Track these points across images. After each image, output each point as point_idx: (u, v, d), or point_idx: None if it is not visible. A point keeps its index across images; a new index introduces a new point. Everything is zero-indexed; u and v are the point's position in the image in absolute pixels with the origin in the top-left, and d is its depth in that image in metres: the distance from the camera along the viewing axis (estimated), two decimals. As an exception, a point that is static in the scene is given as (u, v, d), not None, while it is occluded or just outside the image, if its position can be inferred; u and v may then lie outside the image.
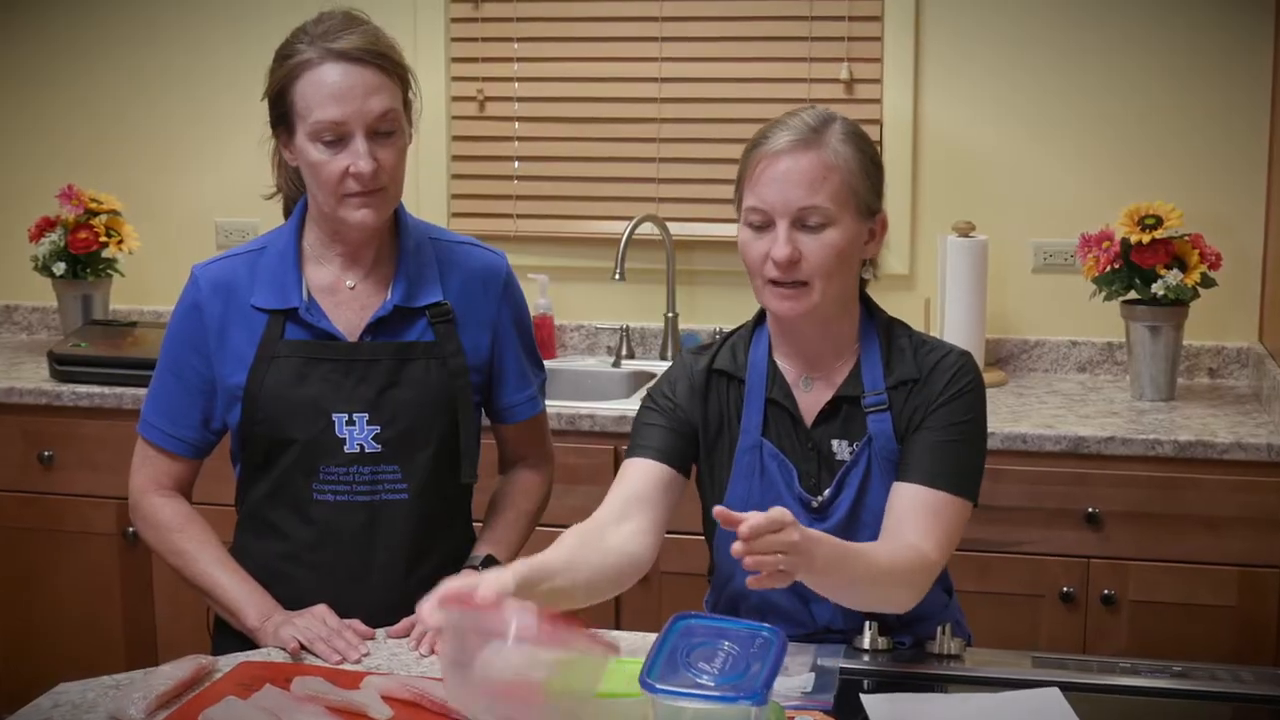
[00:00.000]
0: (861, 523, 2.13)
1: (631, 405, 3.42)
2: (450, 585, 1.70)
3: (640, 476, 2.15)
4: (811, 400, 2.17)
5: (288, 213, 2.39)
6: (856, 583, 1.96)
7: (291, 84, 2.19)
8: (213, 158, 4.16)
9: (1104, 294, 3.49)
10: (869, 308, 2.20)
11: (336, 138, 2.18)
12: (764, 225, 2.07)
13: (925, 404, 2.12)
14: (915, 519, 2.06)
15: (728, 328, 2.30)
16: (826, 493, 2.14)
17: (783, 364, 2.18)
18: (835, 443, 2.14)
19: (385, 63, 2.21)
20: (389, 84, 2.21)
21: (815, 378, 2.17)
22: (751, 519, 1.77)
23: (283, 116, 2.23)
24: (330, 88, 2.17)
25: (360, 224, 2.22)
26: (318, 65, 2.18)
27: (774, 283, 2.08)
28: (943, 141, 3.79)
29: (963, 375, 2.13)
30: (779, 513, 1.80)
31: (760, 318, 2.23)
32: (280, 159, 2.34)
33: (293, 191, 2.37)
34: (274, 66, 2.23)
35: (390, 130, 2.21)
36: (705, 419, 2.20)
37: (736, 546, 1.77)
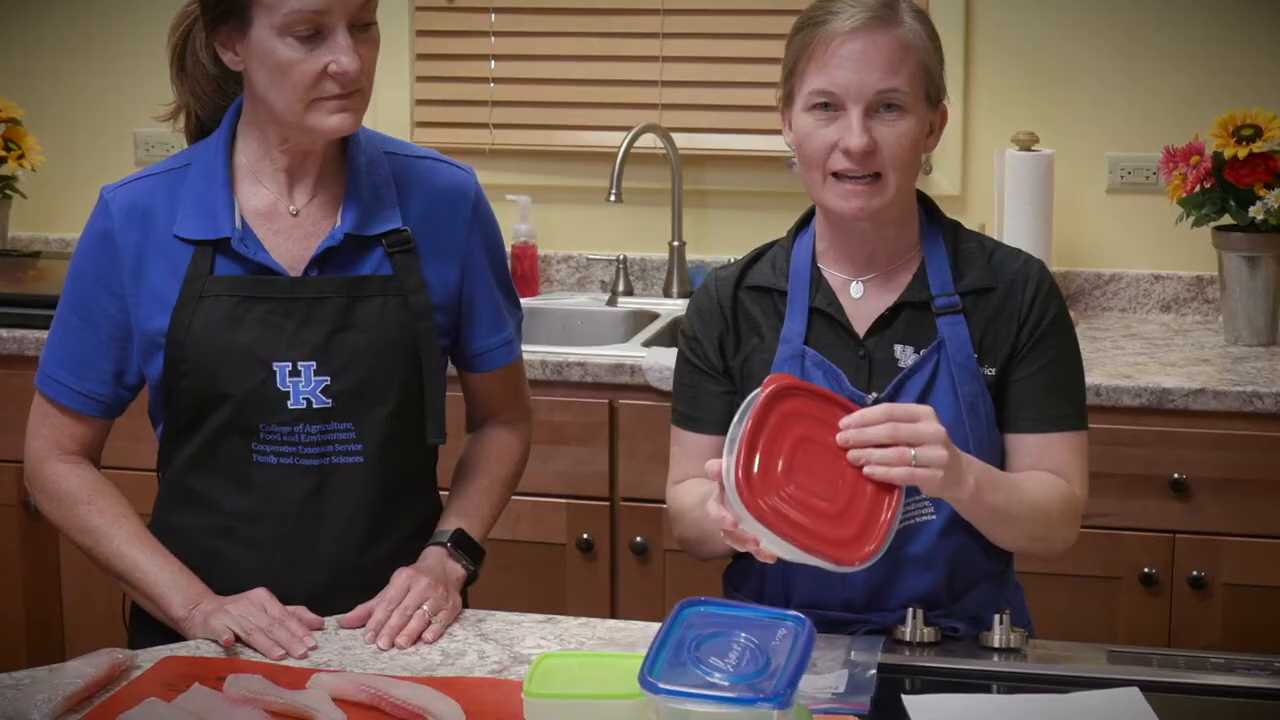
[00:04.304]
0: None
1: (630, 351, 3.42)
2: None
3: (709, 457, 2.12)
4: (865, 307, 2.26)
5: (195, 136, 2.37)
6: (1012, 510, 2.14)
7: None
8: (131, 59, 4.15)
9: (1192, 219, 3.50)
10: (928, 208, 2.30)
11: (314, 30, 2.16)
12: (832, 110, 2.16)
13: (1013, 324, 2.23)
14: (1051, 465, 2.23)
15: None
16: (880, 394, 2.20)
17: (830, 271, 2.28)
18: (898, 348, 2.23)
19: None
20: None
21: (870, 282, 2.26)
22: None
23: (235, 9, 2.18)
24: None
25: (335, 130, 2.21)
26: None
27: (839, 176, 2.16)
28: (1001, 38, 3.79)
29: (1050, 295, 2.26)
30: (912, 407, 1.97)
31: (803, 223, 2.30)
32: (185, 69, 2.32)
33: (205, 108, 2.34)
34: None
35: (370, 22, 2.20)
36: (738, 347, 2.28)
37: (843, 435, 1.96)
